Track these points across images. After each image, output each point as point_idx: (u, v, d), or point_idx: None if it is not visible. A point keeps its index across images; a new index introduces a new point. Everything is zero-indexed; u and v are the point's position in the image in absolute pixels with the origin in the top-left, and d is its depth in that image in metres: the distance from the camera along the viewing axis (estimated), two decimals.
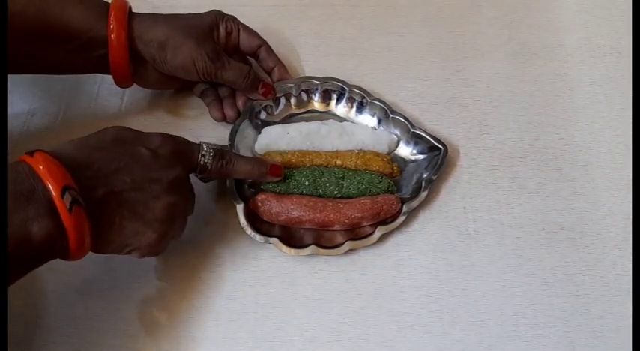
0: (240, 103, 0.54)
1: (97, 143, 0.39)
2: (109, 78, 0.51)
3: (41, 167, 0.35)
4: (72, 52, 0.47)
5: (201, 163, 0.44)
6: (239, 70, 0.51)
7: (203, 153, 0.44)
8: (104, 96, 0.57)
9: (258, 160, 0.48)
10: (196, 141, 0.51)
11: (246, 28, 0.54)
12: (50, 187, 0.34)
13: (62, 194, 0.34)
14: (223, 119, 0.54)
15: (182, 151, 0.43)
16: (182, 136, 0.55)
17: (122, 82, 0.51)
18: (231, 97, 0.55)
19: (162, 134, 0.43)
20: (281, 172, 0.48)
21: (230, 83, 0.52)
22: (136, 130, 0.42)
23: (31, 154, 0.36)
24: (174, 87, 0.56)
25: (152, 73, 0.51)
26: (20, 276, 0.36)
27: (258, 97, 0.53)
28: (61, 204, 0.34)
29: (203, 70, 0.49)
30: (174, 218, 0.42)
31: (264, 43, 0.55)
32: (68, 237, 0.35)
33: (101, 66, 0.49)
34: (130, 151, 0.40)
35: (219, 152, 0.45)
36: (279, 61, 0.56)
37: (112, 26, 0.46)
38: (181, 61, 0.48)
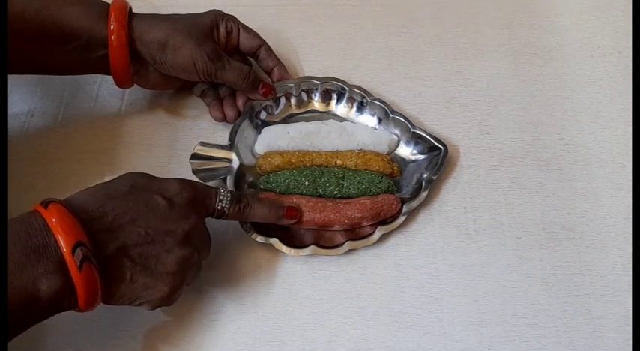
0: (240, 103, 0.54)
1: (113, 191, 0.39)
2: (109, 78, 0.51)
3: (54, 220, 0.34)
4: (72, 53, 0.47)
5: (219, 208, 0.43)
6: (239, 70, 0.51)
7: (220, 198, 0.43)
8: (104, 96, 0.57)
9: (274, 203, 0.46)
10: (196, 141, 0.52)
11: (246, 28, 0.54)
12: (62, 242, 0.34)
13: (73, 251, 0.34)
14: (223, 119, 0.54)
15: (199, 199, 0.42)
16: (182, 136, 0.55)
17: (122, 82, 0.51)
18: (231, 97, 0.55)
19: (179, 181, 0.42)
20: (297, 214, 0.47)
21: (230, 83, 0.52)
22: (153, 177, 0.41)
23: (45, 205, 0.35)
24: (175, 87, 0.56)
25: (152, 73, 0.51)
26: (25, 329, 0.35)
27: (258, 97, 0.53)
28: (72, 261, 0.34)
29: (203, 70, 0.49)
30: (187, 270, 0.40)
31: (263, 43, 0.55)
32: (77, 294, 0.35)
33: (101, 66, 0.49)
34: (146, 200, 0.39)
35: (237, 197, 0.44)
36: (278, 62, 0.56)
37: (112, 27, 0.46)
38: (181, 61, 0.48)
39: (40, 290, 0.33)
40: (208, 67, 0.49)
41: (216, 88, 0.55)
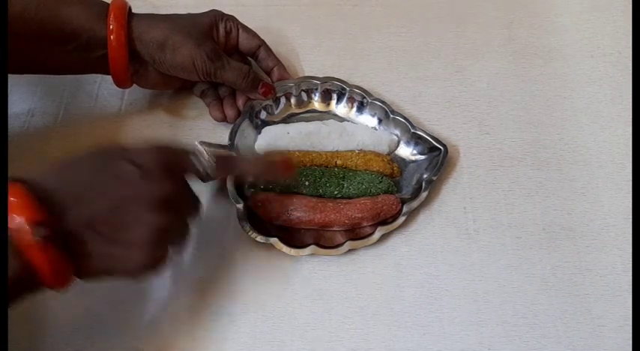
0: (240, 102, 0.54)
1: (78, 163, 0.37)
2: (109, 78, 0.51)
3: (12, 199, 0.33)
4: (71, 53, 0.47)
5: (200, 170, 0.41)
6: (239, 69, 0.51)
7: (202, 161, 0.41)
8: (104, 96, 0.57)
9: (266, 159, 0.44)
10: (196, 141, 0.51)
11: (245, 28, 0.54)
12: (20, 223, 0.32)
13: (33, 230, 0.32)
14: (224, 119, 0.54)
15: (175, 162, 0.39)
16: (182, 136, 0.55)
17: (122, 82, 0.51)
18: (231, 96, 0.55)
19: (151, 145, 0.39)
20: (292, 168, 0.45)
21: (230, 83, 0.52)
22: (124, 145, 0.39)
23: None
24: (174, 87, 0.56)
25: (152, 73, 0.51)
26: None
27: (258, 96, 0.53)
28: (30, 241, 0.32)
29: (203, 70, 0.49)
30: (164, 239, 0.38)
31: (263, 43, 0.55)
32: (42, 273, 0.33)
33: (100, 66, 0.49)
34: (112, 168, 0.37)
35: (221, 157, 0.42)
36: (278, 61, 0.56)
37: (111, 27, 0.46)
38: (181, 61, 0.48)
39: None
40: (208, 66, 0.49)
41: (216, 88, 0.55)
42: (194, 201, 0.42)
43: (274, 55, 0.56)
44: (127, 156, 0.38)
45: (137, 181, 0.37)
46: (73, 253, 0.35)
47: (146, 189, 0.37)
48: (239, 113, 0.54)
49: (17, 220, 0.33)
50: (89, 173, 0.37)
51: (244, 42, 0.54)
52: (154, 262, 0.38)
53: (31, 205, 0.33)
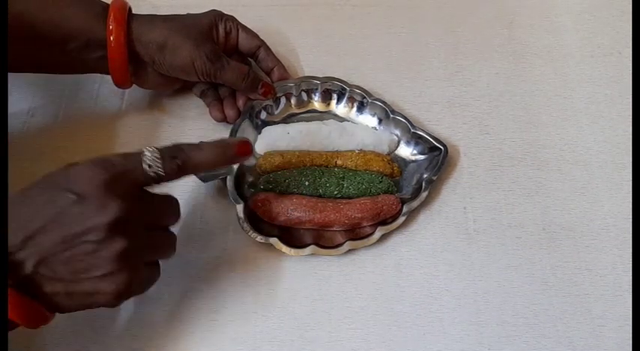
0: (240, 103, 0.54)
1: (24, 199, 0.34)
2: (109, 78, 0.51)
3: None
4: (71, 53, 0.47)
5: (151, 174, 0.36)
6: (238, 70, 0.51)
7: (149, 163, 0.36)
8: (104, 96, 0.57)
9: (220, 145, 0.40)
10: (196, 141, 0.51)
11: (245, 28, 0.54)
12: None
13: None
14: (224, 119, 0.54)
15: (118, 177, 0.35)
16: (182, 136, 0.55)
17: (121, 83, 0.51)
18: (231, 97, 0.54)
19: (88, 166, 0.35)
20: (249, 148, 0.41)
21: (229, 84, 0.52)
22: (66, 168, 0.35)
23: None
24: (174, 88, 0.56)
25: (151, 74, 0.51)
26: None
27: (258, 97, 0.53)
28: None
29: (202, 70, 0.49)
30: (130, 261, 0.35)
31: (263, 44, 0.55)
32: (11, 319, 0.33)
33: (100, 67, 0.49)
34: (52, 200, 0.34)
35: (169, 153, 0.37)
36: (278, 62, 0.56)
37: (111, 27, 0.46)
38: (180, 62, 0.48)
39: None
40: (207, 67, 0.49)
41: (216, 89, 0.55)
42: (157, 208, 0.39)
43: (274, 55, 0.56)
44: (65, 183, 0.35)
45: (80, 211, 0.34)
46: (35, 294, 0.34)
47: (93, 218, 0.34)
48: (239, 113, 0.54)
49: None
50: (34, 210, 0.34)
51: (244, 42, 0.54)
52: (129, 286, 0.36)
53: None
